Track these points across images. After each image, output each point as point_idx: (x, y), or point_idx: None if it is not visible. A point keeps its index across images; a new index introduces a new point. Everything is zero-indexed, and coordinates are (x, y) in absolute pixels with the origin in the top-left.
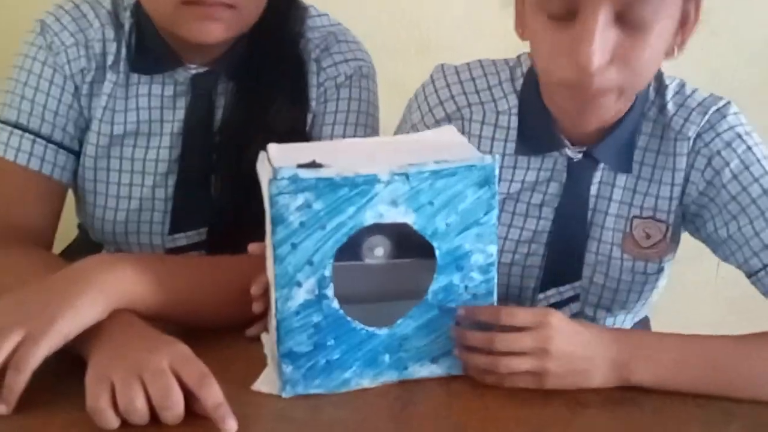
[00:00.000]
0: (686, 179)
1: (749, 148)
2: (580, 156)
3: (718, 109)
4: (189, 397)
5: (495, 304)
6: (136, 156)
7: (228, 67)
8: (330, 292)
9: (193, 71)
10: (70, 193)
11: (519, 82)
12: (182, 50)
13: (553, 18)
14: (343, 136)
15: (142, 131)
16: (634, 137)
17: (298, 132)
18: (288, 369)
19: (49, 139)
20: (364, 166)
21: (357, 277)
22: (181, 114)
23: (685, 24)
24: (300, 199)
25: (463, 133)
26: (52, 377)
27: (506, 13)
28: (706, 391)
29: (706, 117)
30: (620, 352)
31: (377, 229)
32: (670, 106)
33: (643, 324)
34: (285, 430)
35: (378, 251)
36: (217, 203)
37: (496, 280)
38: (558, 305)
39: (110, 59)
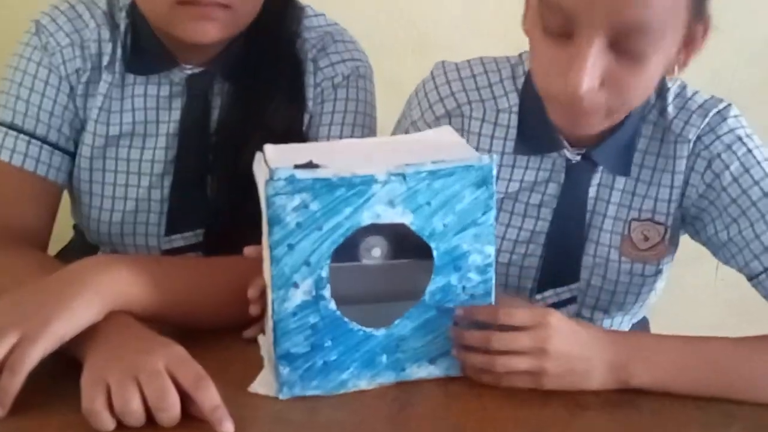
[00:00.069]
0: (686, 182)
1: (749, 150)
2: (578, 158)
3: (718, 112)
4: (185, 399)
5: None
6: (131, 157)
7: (224, 68)
8: (327, 293)
9: (189, 71)
10: (65, 195)
11: (520, 81)
12: (178, 50)
13: (550, 35)
14: (340, 137)
15: (138, 132)
16: (633, 140)
17: (294, 132)
18: (285, 370)
19: (44, 140)
20: (361, 166)
21: (354, 278)
22: (176, 114)
23: (690, 44)
24: (297, 200)
25: (462, 130)
26: (48, 379)
27: (504, 13)
28: (706, 394)
29: (707, 119)
30: (618, 353)
31: (374, 229)
32: (671, 109)
33: (642, 326)
34: None
35: (375, 252)
36: (214, 204)
37: (494, 281)
38: (555, 307)
39: (106, 59)
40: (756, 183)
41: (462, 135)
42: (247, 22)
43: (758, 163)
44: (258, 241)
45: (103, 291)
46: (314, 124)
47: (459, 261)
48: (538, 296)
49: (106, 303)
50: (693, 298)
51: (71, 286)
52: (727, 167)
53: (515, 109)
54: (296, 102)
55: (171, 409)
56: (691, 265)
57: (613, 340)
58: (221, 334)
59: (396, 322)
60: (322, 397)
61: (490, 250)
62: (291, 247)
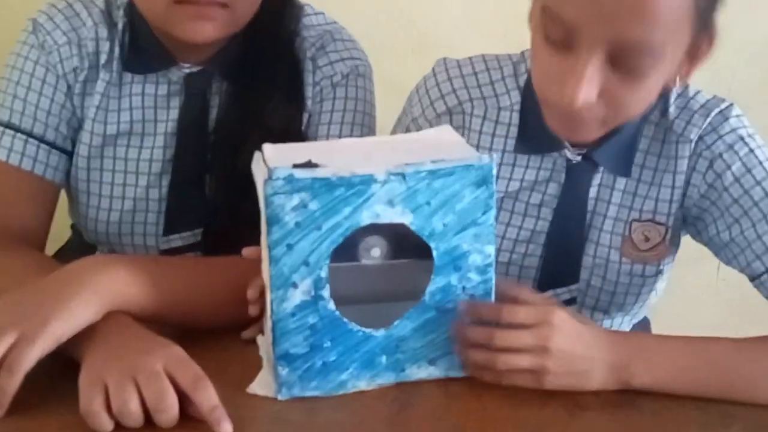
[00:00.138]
0: (687, 182)
1: (751, 150)
2: (579, 158)
3: (720, 111)
4: (184, 399)
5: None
6: (129, 156)
7: (222, 67)
8: (326, 293)
9: (187, 70)
10: (63, 194)
11: (522, 78)
12: (176, 49)
13: (551, 43)
14: (340, 136)
15: (136, 131)
16: (635, 141)
17: (293, 131)
18: (284, 371)
19: (41, 139)
20: (360, 165)
21: (353, 278)
22: (174, 114)
23: (694, 56)
24: (295, 200)
25: (463, 127)
26: (46, 379)
27: (504, 13)
28: (706, 394)
29: (709, 119)
30: (620, 354)
31: (374, 229)
32: (673, 109)
33: (643, 326)
34: None
35: (374, 252)
36: (212, 204)
37: (494, 281)
38: None
39: (103, 58)
40: (758, 183)
41: (463, 132)
42: (246, 20)
43: (760, 163)
44: (257, 241)
45: (101, 291)
46: (313, 123)
47: (459, 261)
48: None
49: (104, 303)
50: (694, 298)
51: (69, 286)
52: (729, 167)
53: (517, 107)
54: (295, 101)
55: (169, 410)
56: (693, 265)
57: (615, 340)
58: (220, 334)
59: (396, 322)
60: (321, 397)
61: (490, 250)
62: (290, 246)
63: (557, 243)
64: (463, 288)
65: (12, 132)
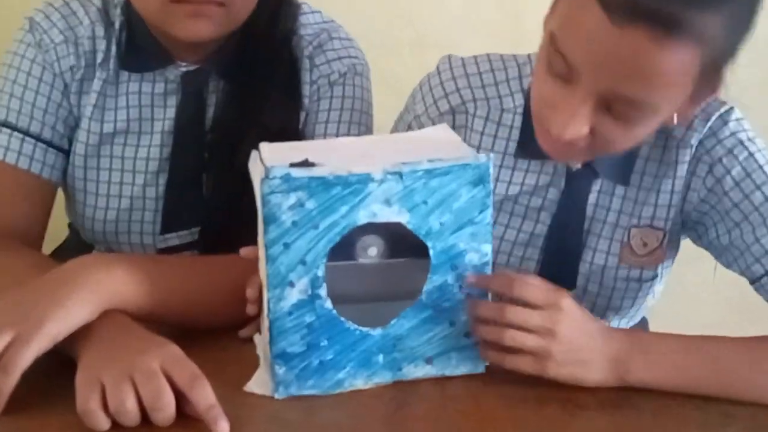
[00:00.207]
0: (687, 186)
1: (751, 154)
2: (579, 165)
3: (720, 115)
4: (181, 398)
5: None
6: (126, 154)
7: (219, 65)
8: (323, 292)
9: (184, 69)
10: (60, 193)
11: (527, 81)
12: (173, 48)
13: (552, 74)
14: (337, 135)
15: (133, 129)
16: (635, 149)
17: (291, 130)
18: (281, 370)
19: (38, 138)
20: (357, 164)
21: (350, 277)
22: (171, 112)
23: (695, 101)
24: (292, 199)
25: (465, 128)
26: (43, 378)
27: (503, 12)
28: (705, 393)
29: (709, 124)
30: (619, 349)
31: (371, 228)
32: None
33: (641, 327)
34: None
35: (371, 251)
36: (209, 202)
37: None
38: None
39: (100, 57)
40: (758, 187)
41: (465, 132)
42: (242, 19)
43: (760, 167)
44: (254, 239)
45: (97, 290)
46: (310, 122)
47: (456, 260)
48: None
49: (101, 302)
50: (694, 296)
51: (65, 285)
52: (729, 172)
53: (520, 110)
54: (292, 100)
55: (166, 409)
56: (692, 263)
57: (616, 335)
58: (218, 333)
59: (392, 321)
60: (318, 396)
61: (487, 248)
62: (287, 245)
63: (555, 248)
64: (460, 287)
65: (9, 130)
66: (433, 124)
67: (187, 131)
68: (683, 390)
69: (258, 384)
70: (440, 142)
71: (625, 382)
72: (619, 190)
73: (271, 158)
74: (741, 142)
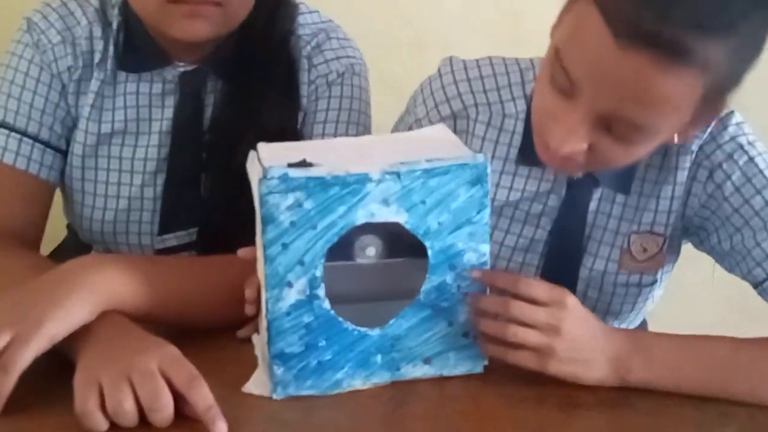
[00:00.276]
0: (688, 192)
1: (751, 159)
2: (579, 174)
3: (719, 120)
4: (178, 399)
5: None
6: (124, 155)
7: (217, 65)
8: (321, 292)
9: (182, 69)
10: (59, 194)
11: (529, 87)
12: (171, 48)
13: (554, 87)
14: (335, 135)
15: (130, 130)
16: None
17: (289, 130)
18: (279, 370)
19: (36, 138)
20: (355, 165)
21: (348, 277)
22: (169, 112)
23: (696, 123)
24: (290, 199)
25: (467, 133)
26: (41, 379)
27: (502, 12)
28: (703, 393)
29: (709, 128)
30: (622, 349)
31: (369, 228)
32: None
33: (640, 329)
34: None
35: (370, 251)
36: (207, 203)
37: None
38: None
39: (97, 57)
40: (758, 192)
41: (466, 138)
42: (240, 19)
43: (761, 171)
44: (252, 240)
45: (96, 290)
46: (308, 122)
47: (454, 260)
48: None
49: (99, 303)
50: (694, 295)
51: (64, 285)
52: (729, 177)
53: (522, 116)
54: (290, 100)
55: (164, 410)
56: (692, 263)
57: (617, 335)
58: (216, 334)
59: (391, 321)
60: (316, 397)
61: (485, 248)
62: (285, 246)
63: (555, 255)
64: (458, 287)
65: (6, 131)
66: None
67: (185, 132)
68: (682, 390)
69: (256, 384)
70: (438, 142)
71: (625, 382)
72: (620, 197)
73: (269, 158)
74: (741, 147)
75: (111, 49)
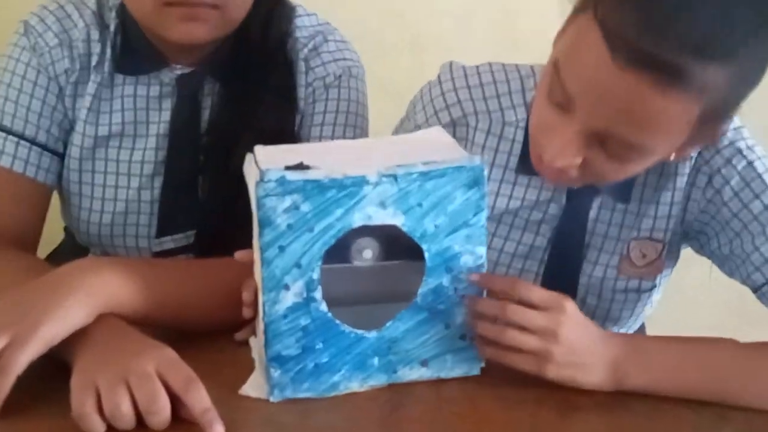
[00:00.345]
0: (687, 197)
1: (750, 163)
2: (575, 185)
3: None
4: (176, 401)
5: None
6: (121, 157)
7: (214, 68)
8: (318, 294)
9: (179, 72)
10: (56, 196)
11: (530, 95)
12: (168, 51)
13: (551, 100)
14: (332, 137)
15: (127, 132)
16: None
17: (286, 133)
18: (276, 373)
19: (33, 141)
20: (352, 167)
21: (345, 280)
22: (166, 115)
23: (692, 143)
24: (287, 201)
25: (466, 140)
26: (38, 382)
27: (498, 15)
28: (702, 398)
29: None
30: (619, 354)
31: (366, 231)
32: None
33: (639, 333)
34: None
35: (366, 253)
36: (205, 205)
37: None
38: None
39: (95, 60)
40: (757, 196)
41: (466, 145)
42: (237, 22)
43: (759, 175)
44: (250, 242)
45: (93, 293)
46: (306, 124)
47: (451, 262)
48: None
49: (97, 305)
50: (692, 299)
51: (61, 288)
52: (728, 182)
53: (522, 124)
54: (287, 102)
55: (161, 412)
56: (690, 266)
57: (615, 340)
58: (214, 336)
59: (388, 323)
60: (313, 399)
61: (482, 251)
62: (282, 248)
63: (555, 263)
64: (455, 289)
65: (3, 134)
66: None
67: (183, 134)
68: (681, 395)
69: (253, 387)
70: (435, 145)
71: (623, 386)
72: (620, 205)
73: (266, 161)
74: (739, 151)
75: (108, 51)
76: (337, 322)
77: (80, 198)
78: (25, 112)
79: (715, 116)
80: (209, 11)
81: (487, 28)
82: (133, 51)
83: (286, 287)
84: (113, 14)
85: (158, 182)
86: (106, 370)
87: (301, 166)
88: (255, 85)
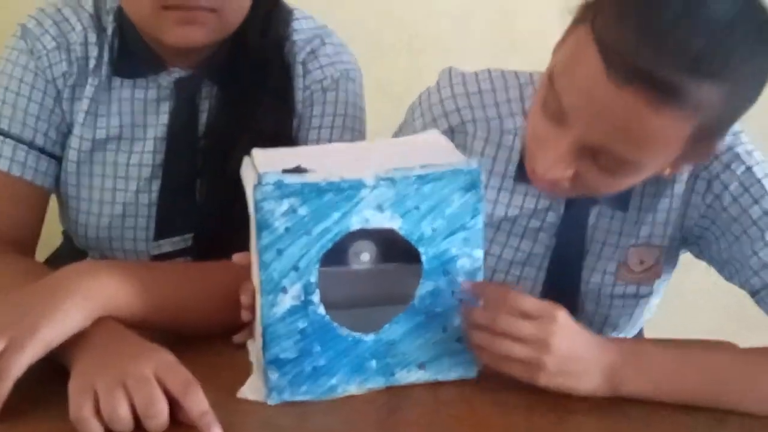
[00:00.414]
0: (686, 203)
1: (749, 168)
2: (570, 196)
3: None
4: (174, 405)
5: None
6: (119, 161)
7: (212, 71)
8: (316, 297)
9: (177, 75)
10: (54, 200)
11: (528, 103)
12: (166, 54)
13: (545, 111)
14: (330, 140)
15: (125, 136)
16: None
17: (284, 136)
18: (274, 376)
19: (30, 144)
20: (349, 170)
21: (343, 283)
22: (164, 118)
23: (688, 158)
24: (285, 205)
25: (464, 148)
26: (36, 385)
27: (496, 16)
28: (699, 403)
29: None
30: (615, 361)
31: (363, 234)
32: None
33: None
34: None
35: (364, 256)
36: (203, 209)
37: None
38: None
39: (92, 63)
40: (756, 201)
41: (464, 153)
42: (235, 25)
43: (758, 180)
44: (247, 245)
45: (91, 297)
46: (303, 128)
47: (448, 265)
48: None
49: (95, 309)
50: (692, 303)
51: (59, 291)
52: (727, 187)
53: (520, 132)
54: (285, 105)
55: (159, 416)
56: (690, 271)
57: (610, 346)
58: (212, 339)
59: (385, 326)
60: (311, 402)
61: (479, 254)
62: (279, 252)
63: (556, 271)
64: (452, 292)
65: (1, 137)
66: None
67: (180, 137)
68: (678, 401)
69: (251, 390)
70: (432, 148)
71: (619, 392)
72: (619, 212)
73: (263, 164)
74: (738, 156)
75: (106, 55)
76: (335, 325)
77: (78, 201)
78: (23, 115)
79: (709, 134)
80: (207, 15)
81: (485, 29)
82: (131, 54)
83: (284, 290)
84: (111, 17)
85: (156, 185)
86: (104, 374)
87: (298, 170)
88: (252, 88)
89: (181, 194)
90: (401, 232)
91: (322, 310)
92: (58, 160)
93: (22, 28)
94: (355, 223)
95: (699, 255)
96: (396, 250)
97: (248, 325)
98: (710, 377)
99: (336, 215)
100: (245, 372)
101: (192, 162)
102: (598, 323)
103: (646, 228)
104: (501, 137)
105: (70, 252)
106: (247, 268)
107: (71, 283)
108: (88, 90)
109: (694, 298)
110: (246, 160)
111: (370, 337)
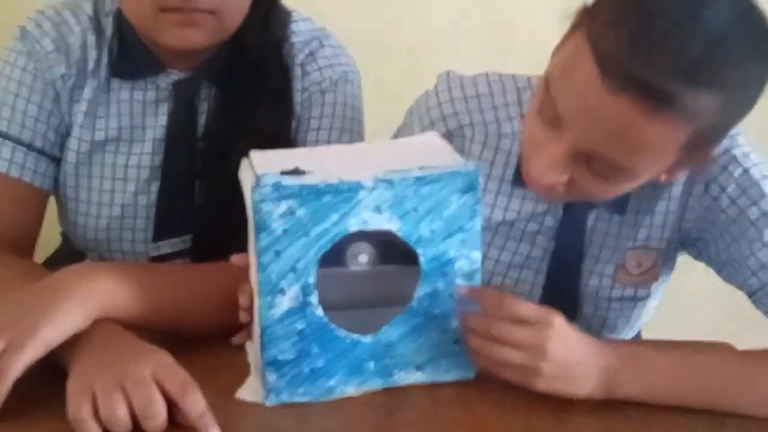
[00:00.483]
0: (684, 206)
1: (746, 170)
2: (566, 200)
3: None
4: (172, 406)
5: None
6: (117, 162)
7: (211, 73)
8: (314, 299)
9: (175, 77)
10: (53, 201)
11: (526, 107)
12: (164, 56)
13: (541, 116)
14: (328, 142)
15: (124, 137)
16: None
17: (282, 138)
18: (272, 377)
19: (29, 146)
20: (347, 172)
21: (341, 285)
22: (163, 120)
23: (683, 165)
24: (283, 206)
25: (462, 152)
26: (35, 386)
27: (494, 19)
28: (696, 405)
29: None
30: (612, 365)
31: (361, 235)
32: None
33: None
34: None
35: (362, 258)
36: (201, 210)
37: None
38: None
39: (91, 65)
40: (754, 203)
41: (462, 157)
42: (233, 27)
43: (756, 182)
44: (245, 247)
45: (90, 298)
46: (302, 129)
47: (446, 267)
48: None
49: (93, 310)
50: (690, 304)
51: (58, 293)
52: (724, 190)
53: (518, 136)
54: (284, 107)
55: (157, 417)
56: (688, 272)
57: (607, 350)
58: (211, 341)
59: (383, 328)
60: (309, 403)
61: (477, 255)
62: (278, 253)
63: (555, 274)
64: (451, 294)
65: (0, 139)
66: None
67: (179, 139)
68: (674, 403)
69: (249, 391)
70: (430, 150)
71: (613, 394)
72: (617, 216)
73: (261, 166)
74: (735, 159)
75: (105, 57)
76: (333, 326)
77: (77, 203)
78: (22, 116)
79: (705, 141)
80: (206, 17)
81: (484, 30)
82: (130, 56)
83: (282, 292)
84: (110, 20)
85: (155, 187)
86: (103, 375)
87: (296, 171)
88: (251, 90)
89: (180, 196)
90: (399, 234)
91: (320, 311)
92: (57, 161)
93: (21, 30)
94: (353, 225)
95: (697, 256)
96: (394, 251)
97: (246, 327)
98: (708, 380)
99: (334, 217)
100: (243, 373)
101: (191, 163)
102: (596, 326)
103: (643, 231)
104: (499, 141)
105: (69, 253)
106: (245, 270)
107: (71, 284)
108: (87, 92)
109: (692, 299)
110: (244, 162)
111: (368, 339)
